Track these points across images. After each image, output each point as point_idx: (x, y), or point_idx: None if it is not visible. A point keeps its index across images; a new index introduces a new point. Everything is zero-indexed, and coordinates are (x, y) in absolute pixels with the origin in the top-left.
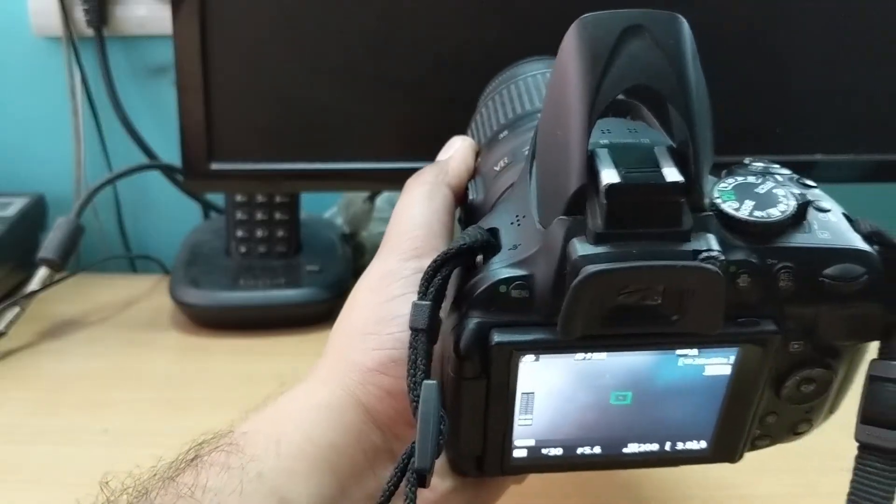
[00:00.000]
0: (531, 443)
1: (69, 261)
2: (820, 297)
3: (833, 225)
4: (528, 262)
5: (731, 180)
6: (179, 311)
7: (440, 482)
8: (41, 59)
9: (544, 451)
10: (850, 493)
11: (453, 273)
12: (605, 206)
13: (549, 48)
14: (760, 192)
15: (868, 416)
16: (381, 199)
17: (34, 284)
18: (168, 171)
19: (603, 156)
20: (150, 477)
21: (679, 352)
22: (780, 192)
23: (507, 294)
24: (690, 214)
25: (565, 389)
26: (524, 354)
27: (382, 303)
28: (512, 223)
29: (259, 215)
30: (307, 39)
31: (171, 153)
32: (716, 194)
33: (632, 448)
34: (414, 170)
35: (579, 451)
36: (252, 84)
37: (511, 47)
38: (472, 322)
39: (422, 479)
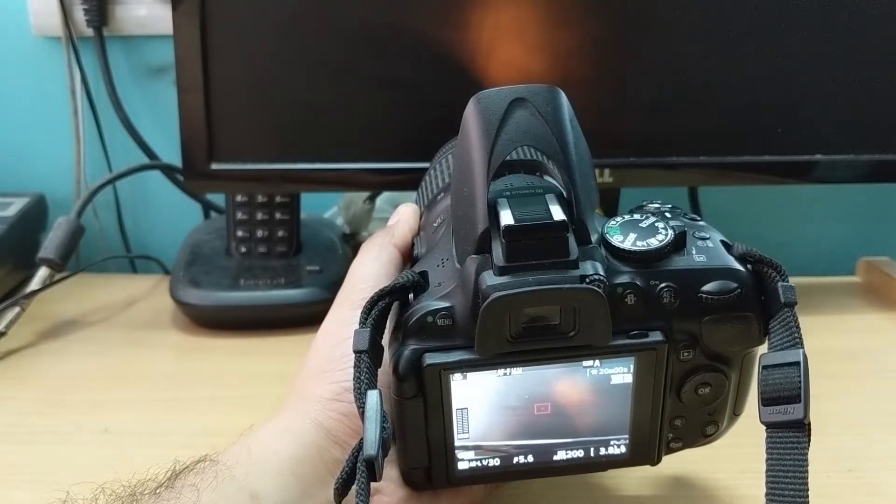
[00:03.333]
0: (471, 455)
1: (69, 261)
2: (701, 310)
3: (710, 250)
4: (449, 296)
5: (618, 219)
6: (179, 311)
7: (396, 489)
8: (41, 59)
9: (484, 462)
10: (768, 471)
11: (392, 309)
12: (505, 244)
13: (547, 47)
14: (643, 227)
15: (767, 399)
16: (381, 199)
17: (34, 284)
18: (168, 171)
19: (502, 203)
20: (137, 483)
21: (585, 364)
22: (660, 225)
23: (434, 323)
24: (577, 247)
25: (494, 404)
26: (452, 373)
27: (336, 345)
28: (438, 265)
29: (259, 215)
30: (307, 39)
31: (171, 153)
32: (605, 231)
33: (560, 455)
34: (413, 170)
35: (515, 460)
36: (252, 84)
37: (511, 46)
38: (407, 349)
39: (371, 467)
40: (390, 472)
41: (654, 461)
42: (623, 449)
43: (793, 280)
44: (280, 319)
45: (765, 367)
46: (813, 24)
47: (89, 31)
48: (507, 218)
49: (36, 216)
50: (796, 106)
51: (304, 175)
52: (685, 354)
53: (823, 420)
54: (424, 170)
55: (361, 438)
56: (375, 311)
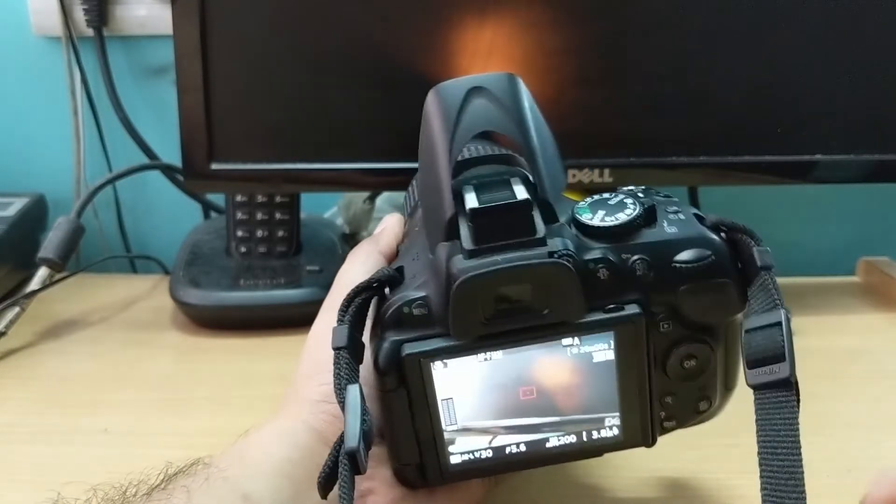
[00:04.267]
0: (463, 447)
1: (69, 261)
2: (676, 280)
3: (681, 222)
4: (424, 286)
5: (588, 199)
6: (179, 311)
7: (388, 489)
8: (41, 58)
9: (476, 454)
10: (759, 432)
11: (372, 306)
12: (472, 227)
13: (547, 47)
14: (612, 204)
15: (752, 361)
16: (381, 199)
17: (34, 284)
18: (168, 171)
19: (468, 190)
20: (129, 484)
21: (564, 342)
22: (628, 201)
23: (410, 313)
24: (544, 225)
25: (478, 391)
26: (432, 361)
27: (323, 349)
28: (413, 259)
29: (259, 215)
30: (307, 39)
31: (171, 153)
32: (574, 210)
33: (553, 442)
34: (414, 170)
35: (507, 451)
36: (252, 84)
37: (511, 47)
38: (386, 342)
39: (353, 460)
40: (384, 472)
41: (650, 442)
42: (616, 431)
43: (793, 280)
44: (280, 319)
45: (747, 331)
46: (813, 24)
47: (89, 31)
48: (471, 201)
49: (36, 216)
50: (796, 106)
51: (304, 175)
52: (665, 326)
53: (823, 420)
54: None
55: (342, 433)
56: (353, 307)
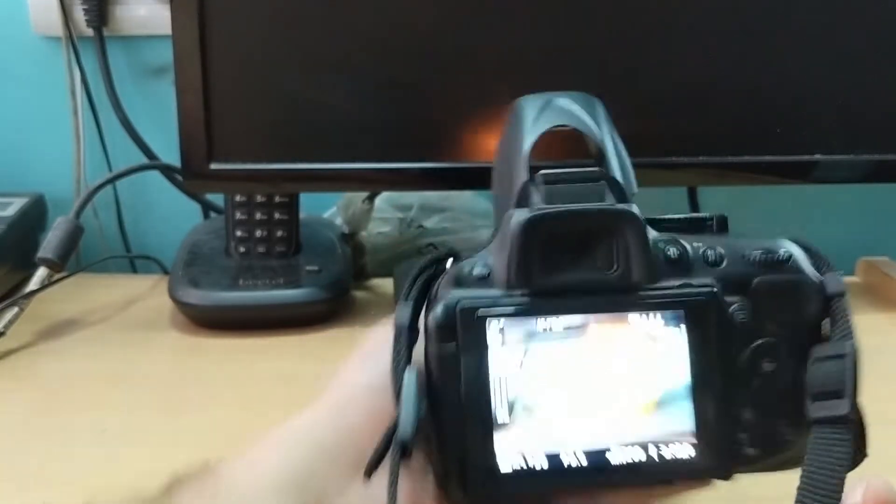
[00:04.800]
0: (513, 447)
1: (69, 261)
2: (750, 271)
3: (753, 235)
4: (488, 250)
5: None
6: (179, 311)
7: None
8: (41, 59)
9: (529, 463)
10: (805, 467)
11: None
12: (543, 189)
13: (547, 47)
14: (684, 215)
15: (815, 394)
16: (381, 199)
17: (34, 284)
18: (168, 171)
19: (540, 171)
20: (130, 496)
21: (631, 318)
22: (700, 214)
23: (471, 273)
24: (613, 198)
25: (535, 374)
26: (490, 318)
27: (382, 342)
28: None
29: (258, 215)
30: (307, 40)
31: (170, 153)
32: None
33: (617, 456)
34: (413, 170)
35: (565, 462)
36: (252, 84)
37: (511, 47)
38: (443, 298)
39: (405, 450)
40: (425, 485)
41: (728, 468)
42: (690, 451)
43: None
44: (279, 319)
45: (812, 361)
46: (813, 24)
47: (89, 31)
48: (546, 171)
49: (35, 216)
50: (796, 106)
51: (304, 175)
52: (740, 317)
53: None
54: (424, 170)
55: (396, 418)
56: (416, 286)
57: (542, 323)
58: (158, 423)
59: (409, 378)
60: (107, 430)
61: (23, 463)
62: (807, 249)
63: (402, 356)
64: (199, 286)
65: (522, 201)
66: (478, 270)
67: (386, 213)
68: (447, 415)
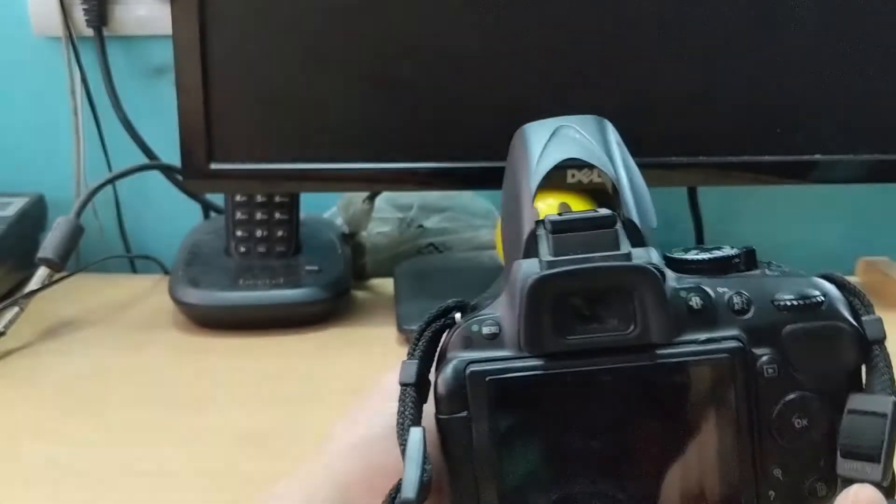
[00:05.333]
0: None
1: (69, 261)
2: (780, 319)
3: (785, 270)
4: (496, 305)
5: (681, 248)
6: (179, 311)
7: None
8: (41, 59)
9: None
10: None
11: (442, 337)
12: (552, 239)
13: (547, 47)
14: (707, 247)
15: (846, 450)
16: (381, 199)
17: (34, 284)
18: (168, 171)
19: (551, 215)
20: None
21: (650, 378)
22: (726, 246)
23: (479, 332)
24: (629, 244)
25: (548, 438)
26: (500, 383)
27: (380, 393)
28: (488, 292)
29: (259, 215)
30: (307, 40)
31: (171, 153)
32: (665, 252)
33: None
34: (413, 170)
35: None
36: (251, 84)
37: (511, 47)
38: (451, 361)
39: None
40: None
41: None
42: None
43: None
44: (279, 319)
45: (849, 412)
46: (813, 25)
47: (89, 31)
48: (552, 217)
49: (35, 216)
50: (796, 106)
51: (304, 175)
52: (769, 371)
53: None
54: (424, 170)
55: (400, 480)
56: (423, 341)
57: (555, 385)
58: (159, 423)
59: (414, 438)
60: (107, 430)
61: (23, 463)
62: (842, 287)
63: (406, 416)
64: (200, 286)
65: (530, 251)
66: (487, 329)
67: (386, 213)
68: (461, 480)
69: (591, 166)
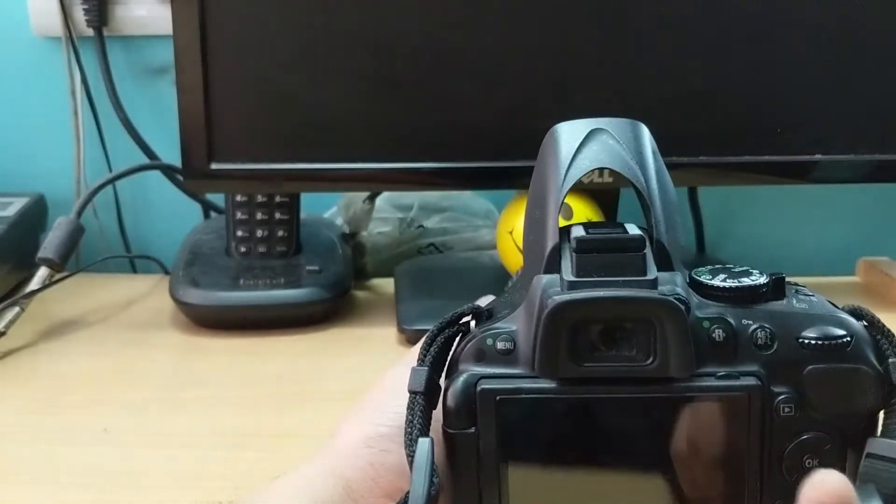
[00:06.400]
0: None
1: (69, 261)
2: (802, 357)
3: (813, 301)
4: (513, 319)
5: (709, 266)
6: (179, 311)
7: None
8: (41, 59)
9: None
10: None
11: (454, 344)
12: (575, 258)
13: (547, 47)
14: (735, 271)
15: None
16: (381, 199)
17: (34, 284)
18: (168, 171)
19: (576, 227)
20: None
21: (664, 410)
22: (755, 271)
23: (494, 346)
24: (656, 268)
25: (556, 463)
26: (510, 403)
27: (390, 389)
28: (505, 298)
29: (259, 215)
30: (307, 39)
31: (171, 153)
32: (693, 272)
33: None
34: (413, 170)
35: None
36: (252, 84)
37: (512, 47)
38: (462, 374)
39: None
40: None
41: None
42: None
43: (792, 280)
44: (280, 319)
45: (868, 455)
46: (813, 25)
47: (89, 31)
48: (578, 231)
49: (36, 216)
50: (796, 106)
51: (304, 175)
52: (786, 410)
53: None
54: (424, 170)
55: (407, 492)
56: (434, 347)
57: (567, 410)
58: (159, 423)
59: (422, 448)
60: (108, 430)
61: (23, 463)
62: (870, 325)
63: (415, 426)
64: (200, 286)
65: (552, 267)
66: (501, 345)
67: (386, 213)
68: (464, 493)
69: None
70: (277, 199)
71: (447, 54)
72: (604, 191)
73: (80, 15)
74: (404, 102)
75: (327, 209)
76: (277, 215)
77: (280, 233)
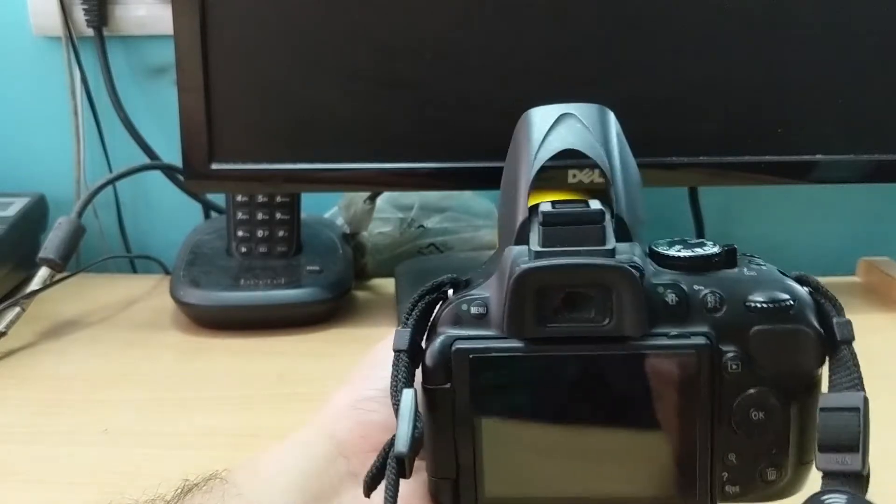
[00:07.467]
0: (503, 473)
1: (69, 261)
2: (749, 319)
3: (763, 270)
4: (486, 287)
5: (668, 239)
6: (180, 311)
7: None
8: (41, 59)
9: (516, 485)
10: None
11: (434, 309)
12: (542, 230)
13: (547, 47)
14: (691, 242)
15: (825, 445)
16: (382, 199)
17: (35, 284)
18: (168, 171)
19: (545, 204)
20: (146, 501)
21: (621, 364)
22: (709, 243)
23: (468, 311)
24: (615, 240)
25: (523, 415)
26: (482, 360)
27: (374, 361)
28: (482, 269)
29: (260, 215)
30: (307, 39)
31: (171, 153)
32: (651, 245)
33: (604, 487)
34: (413, 170)
35: (549, 494)
36: (252, 84)
37: (512, 47)
38: (440, 336)
39: (401, 465)
40: (413, 485)
41: None
42: (672, 489)
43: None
44: (280, 319)
45: (822, 410)
46: (813, 24)
47: (89, 31)
48: (545, 207)
49: (36, 216)
50: (796, 106)
51: (304, 175)
52: (734, 367)
53: None
54: (424, 170)
55: (394, 435)
56: (416, 311)
57: (532, 367)
58: (159, 423)
59: (406, 398)
60: (108, 430)
61: (24, 463)
62: (815, 290)
63: (399, 379)
64: (201, 286)
65: (522, 238)
66: (475, 309)
67: (387, 213)
68: (440, 441)
69: (591, 166)
70: (278, 199)
71: (447, 54)
72: (604, 190)
73: (80, 15)
74: (404, 102)
75: (328, 209)
76: (278, 215)
77: (281, 233)
